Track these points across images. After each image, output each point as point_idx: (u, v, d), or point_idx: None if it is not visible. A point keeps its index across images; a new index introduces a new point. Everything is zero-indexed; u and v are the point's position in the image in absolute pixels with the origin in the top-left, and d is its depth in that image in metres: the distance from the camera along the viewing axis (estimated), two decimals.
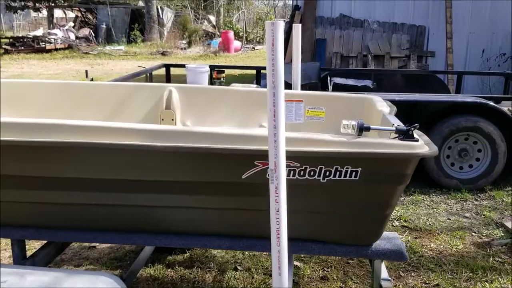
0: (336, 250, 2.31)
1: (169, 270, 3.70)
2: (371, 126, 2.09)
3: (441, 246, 4.11)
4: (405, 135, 2.05)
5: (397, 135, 2.10)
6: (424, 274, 3.67)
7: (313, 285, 3.45)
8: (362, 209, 2.22)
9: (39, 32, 23.27)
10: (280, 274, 1.84)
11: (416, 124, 2.06)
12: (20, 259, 2.57)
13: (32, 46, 20.82)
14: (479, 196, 5.22)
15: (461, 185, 5.29)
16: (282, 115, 1.74)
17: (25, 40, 21.38)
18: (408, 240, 4.20)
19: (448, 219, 4.68)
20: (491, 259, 3.86)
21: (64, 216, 2.41)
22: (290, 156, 2.02)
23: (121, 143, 2.07)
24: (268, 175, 1.82)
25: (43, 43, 21.14)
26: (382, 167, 2.08)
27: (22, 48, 20.66)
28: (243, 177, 2.10)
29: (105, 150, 2.11)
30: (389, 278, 2.47)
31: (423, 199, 5.15)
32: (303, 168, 2.08)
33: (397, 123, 2.49)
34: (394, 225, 4.50)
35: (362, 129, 2.06)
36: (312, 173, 2.08)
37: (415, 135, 2.09)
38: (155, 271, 3.68)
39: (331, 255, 2.28)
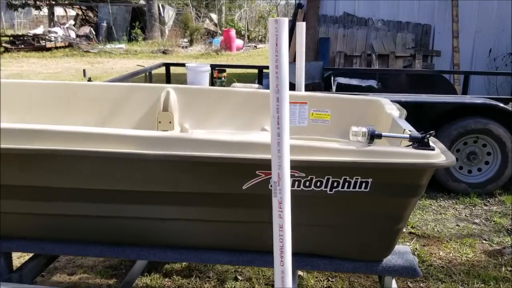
0: (343, 266, 2.14)
1: (166, 279, 3.55)
2: (383, 133, 1.91)
3: (451, 255, 3.95)
4: (420, 143, 1.88)
5: (411, 143, 1.93)
6: (434, 284, 3.51)
7: None
8: (372, 223, 2.05)
9: (39, 30, 23.12)
10: None
11: (432, 131, 1.89)
12: (7, 272, 2.41)
13: (32, 44, 20.66)
14: (489, 201, 5.05)
15: (470, 190, 5.13)
16: (286, 122, 1.57)
17: (25, 38, 21.23)
18: (416, 248, 4.03)
19: (457, 225, 4.51)
20: (503, 269, 3.70)
21: (53, 227, 2.24)
22: (295, 165, 1.86)
23: (111, 151, 1.91)
24: (271, 186, 1.65)
25: (43, 41, 20.98)
26: (395, 178, 1.91)
27: (22, 46, 20.51)
28: (243, 188, 1.94)
29: (94, 159, 1.94)
30: None
31: (431, 204, 4.98)
32: (308, 178, 1.91)
33: (409, 128, 2.33)
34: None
35: (373, 137, 1.89)
36: (318, 184, 1.92)
37: (431, 143, 1.91)
38: (151, 280, 3.53)
39: (338, 271, 2.11)
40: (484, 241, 4.19)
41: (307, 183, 1.91)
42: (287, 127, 1.58)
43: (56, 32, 22.23)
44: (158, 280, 3.53)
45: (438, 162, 1.85)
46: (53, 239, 2.28)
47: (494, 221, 4.56)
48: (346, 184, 1.90)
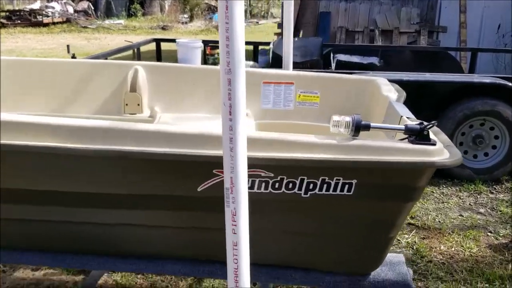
0: (323, 280, 1.80)
1: (138, 276, 3.25)
2: (372, 124, 1.54)
3: (453, 249, 3.63)
4: (417, 136, 1.51)
5: (406, 136, 1.56)
6: (433, 284, 3.19)
7: None
8: (357, 231, 1.70)
9: (36, 5, 22.54)
10: None
11: (434, 122, 1.52)
12: None
13: (29, 19, 20.13)
14: (495, 189, 4.73)
15: (475, 176, 4.81)
16: (241, 111, 1.22)
17: (21, 13, 20.69)
18: (415, 242, 3.72)
19: (461, 215, 4.18)
20: (510, 266, 3.38)
21: None
22: (261, 164, 1.51)
23: (25, 144, 1.56)
24: None
25: (40, 16, 20.44)
26: (385, 179, 1.56)
27: (19, 21, 20.00)
28: (198, 189, 1.59)
29: (16, 153, 1.59)
30: None
31: (432, 191, 4.65)
32: (278, 179, 1.56)
33: (407, 114, 1.96)
34: None
35: (359, 128, 1.52)
36: (290, 185, 1.56)
37: (432, 136, 1.54)
38: (122, 277, 3.23)
39: (316, 286, 1.79)
40: (489, 234, 3.87)
41: (277, 185, 1.56)
42: (242, 118, 1.23)
43: (53, 7, 21.66)
44: (129, 277, 3.23)
45: (439, 161, 1.49)
46: None
47: (500, 211, 4.23)
48: (325, 186, 1.55)
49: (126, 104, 2.84)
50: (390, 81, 2.73)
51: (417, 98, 4.62)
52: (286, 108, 2.85)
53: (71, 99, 2.86)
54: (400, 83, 2.77)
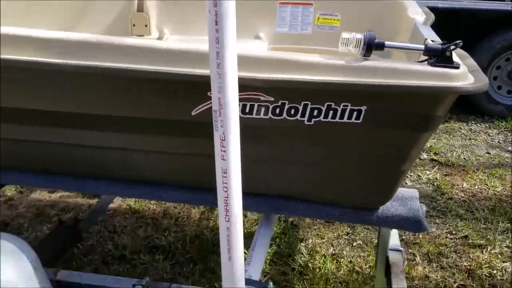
0: (328, 213, 1.69)
1: (152, 202, 3.25)
2: (386, 43, 1.35)
3: (476, 187, 3.49)
4: (439, 57, 1.33)
5: (427, 58, 1.37)
6: (451, 221, 3.09)
7: (315, 229, 2.92)
8: (365, 163, 1.56)
9: None
10: (232, 264, 1.26)
11: (458, 41, 1.32)
12: None
13: None
14: None
15: (507, 113, 4.58)
16: (229, 21, 1.06)
17: None
18: (436, 178, 3.58)
19: (488, 153, 4.00)
20: None
21: None
22: (260, 86, 1.36)
23: (15, 59, 1.45)
24: None
25: None
26: (399, 106, 1.39)
27: None
28: (192, 113, 1.47)
29: (5, 68, 1.49)
30: (400, 248, 1.87)
31: (460, 128, 4.44)
32: (279, 103, 1.41)
33: (432, 36, 1.75)
34: (422, 158, 3.85)
35: (371, 47, 1.33)
36: (292, 111, 1.42)
37: (455, 58, 1.35)
38: (135, 202, 3.24)
39: (321, 218, 1.69)
40: None
41: (277, 110, 1.41)
42: (231, 30, 1.07)
43: None
44: (143, 202, 3.24)
45: (461, 86, 1.31)
46: None
47: None
48: (331, 112, 1.39)
49: (134, 25, 2.68)
50: None
51: (452, 26, 4.33)
52: (304, 32, 2.64)
53: (75, 19, 2.71)
54: (435, 10, 2.52)
